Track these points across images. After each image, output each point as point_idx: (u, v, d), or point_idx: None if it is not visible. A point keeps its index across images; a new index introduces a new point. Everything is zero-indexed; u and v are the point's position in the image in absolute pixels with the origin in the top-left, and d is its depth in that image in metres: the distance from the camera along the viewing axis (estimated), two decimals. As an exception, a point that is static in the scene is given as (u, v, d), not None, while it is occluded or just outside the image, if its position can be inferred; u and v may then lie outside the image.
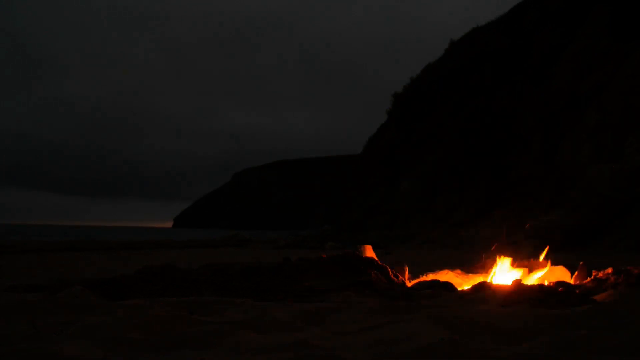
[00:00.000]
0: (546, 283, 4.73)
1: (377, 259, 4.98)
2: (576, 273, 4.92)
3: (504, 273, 5.11)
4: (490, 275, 5.17)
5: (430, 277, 5.17)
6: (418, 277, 5.29)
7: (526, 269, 5.21)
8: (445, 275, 5.22)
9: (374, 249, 5.29)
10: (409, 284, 4.98)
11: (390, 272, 4.82)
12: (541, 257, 5.26)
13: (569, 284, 4.78)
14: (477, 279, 5.08)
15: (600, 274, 4.55)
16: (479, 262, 5.69)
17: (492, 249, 5.33)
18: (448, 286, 4.74)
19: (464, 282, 5.09)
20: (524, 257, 5.35)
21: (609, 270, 4.54)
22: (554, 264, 5.25)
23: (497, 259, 5.25)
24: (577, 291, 4.23)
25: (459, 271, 5.38)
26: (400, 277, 4.92)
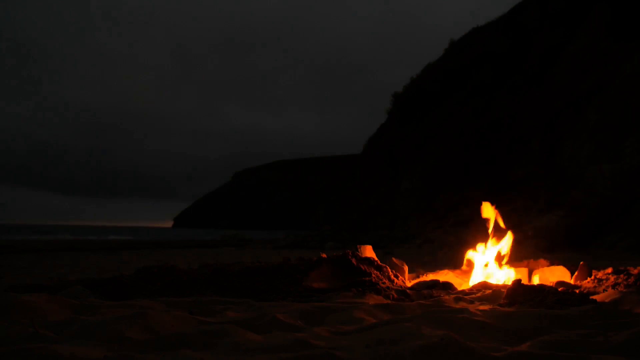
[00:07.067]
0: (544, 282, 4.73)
1: (377, 259, 4.98)
2: (576, 273, 4.92)
3: (495, 272, 5.11)
4: (473, 273, 5.16)
5: (430, 277, 5.17)
6: (418, 277, 5.28)
7: (526, 269, 5.21)
8: (445, 275, 5.22)
9: (374, 249, 5.28)
10: (408, 284, 4.98)
11: (390, 272, 4.82)
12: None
13: (569, 284, 4.78)
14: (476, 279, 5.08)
15: (600, 274, 4.55)
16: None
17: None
18: (448, 286, 4.74)
19: (464, 282, 5.09)
20: (524, 257, 5.35)
21: (609, 270, 4.54)
22: (554, 264, 5.25)
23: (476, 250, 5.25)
24: (577, 291, 4.23)
25: (458, 271, 5.38)
26: (400, 277, 4.92)
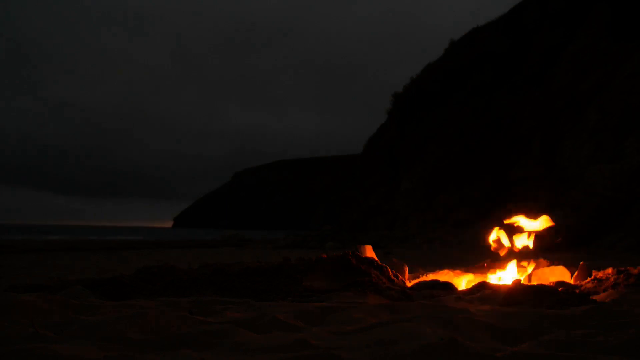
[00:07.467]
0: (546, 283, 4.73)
1: (377, 259, 4.98)
2: (576, 273, 4.92)
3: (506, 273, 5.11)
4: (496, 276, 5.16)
5: (430, 277, 5.17)
6: (418, 277, 5.28)
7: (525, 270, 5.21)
8: (445, 275, 5.22)
9: (374, 249, 5.28)
10: (409, 284, 4.98)
11: (390, 272, 4.82)
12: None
13: (569, 284, 4.78)
14: (477, 279, 5.08)
15: (600, 274, 4.55)
16: (479, 262, 5.69)
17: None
18: (448, 286, 4.74)
19: (464, 282, 5.09)
20: (524, 258, 5.35)
21: (609, 270, 4.54)
22: (554, 264, 5.25)
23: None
24: (577, 291, 4.23)
25: (459, 271, 5.38)
26: (400, 277, 4.92)
